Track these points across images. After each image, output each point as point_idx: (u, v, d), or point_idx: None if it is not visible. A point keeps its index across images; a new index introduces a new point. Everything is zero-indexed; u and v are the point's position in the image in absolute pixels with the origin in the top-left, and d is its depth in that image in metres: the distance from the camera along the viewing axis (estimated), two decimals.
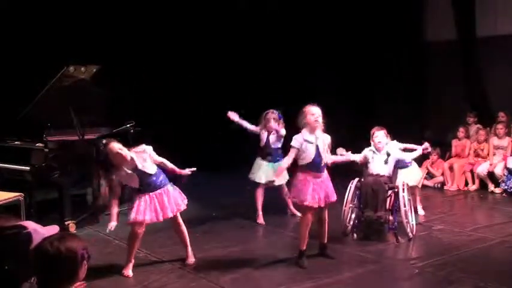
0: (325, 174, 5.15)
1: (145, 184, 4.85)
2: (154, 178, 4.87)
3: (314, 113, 4.99)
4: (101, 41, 8.59)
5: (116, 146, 4.75)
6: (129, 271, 4.90)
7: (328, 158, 5.12)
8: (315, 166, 5.03)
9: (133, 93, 8.85)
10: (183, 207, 5.03)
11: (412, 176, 6.63)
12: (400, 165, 6.24)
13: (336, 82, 9.74)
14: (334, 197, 5.22)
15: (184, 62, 9.78)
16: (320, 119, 4.99)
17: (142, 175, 4.82)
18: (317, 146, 5.00)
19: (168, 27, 9.61)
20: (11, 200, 5.41)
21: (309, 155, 4.99)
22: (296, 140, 5.03)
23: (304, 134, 5.02)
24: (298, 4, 10.08)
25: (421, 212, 7.00)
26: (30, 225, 2.74)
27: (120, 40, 8.95)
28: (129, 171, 4.79)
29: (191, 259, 5.19)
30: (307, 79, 10.13)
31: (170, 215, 4.93)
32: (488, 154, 8.58)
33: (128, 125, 6.96)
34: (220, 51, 10.19)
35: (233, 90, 10.03)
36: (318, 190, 5.03)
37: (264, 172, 6.62)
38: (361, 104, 10.11)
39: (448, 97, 9.56)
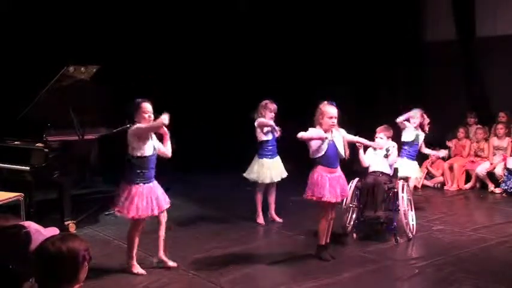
0: (339, 169, 5.16)
1: (149, 168, 4.81)
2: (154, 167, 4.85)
3: (332, 115, 4.99)
4: (101, 41, 8.59)
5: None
6: (138, 269, 4.87)
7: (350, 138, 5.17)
8: (329, 161, 5.04)
9: (133, 93, 8.83)
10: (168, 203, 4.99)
11: (404, 168, 6.65)
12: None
13: (335, 82, 9.73)
14: (347, 192, 5.24)
15: (184, 61, 9.77)
16: (335, 121, 5.01)
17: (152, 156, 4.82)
18: (332, 142, 5.02)
19: (168, 26, 9.61)
20: (11, 200, 5.42)
21: (322, 149, 5.00)
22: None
23: (319, 130, 5.02)
24: (298, 4, 10.08)
25: None
26: (31, 225, 2.74)
27: (120, 40, 8.94)
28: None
29: (171, 262, 5.05)
30: (307, 80, 10.12)
31: (165, 206, 4.88)
32: (488, 154, 8.59)
33: (128, 125, 6.94)
34: (220, 51, 10.19)
35: (233, 90, 10.05)
36: (334, 185, 5.04)
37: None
38: (361, 104, 10.10)
39: (448, 97, 9.54)
